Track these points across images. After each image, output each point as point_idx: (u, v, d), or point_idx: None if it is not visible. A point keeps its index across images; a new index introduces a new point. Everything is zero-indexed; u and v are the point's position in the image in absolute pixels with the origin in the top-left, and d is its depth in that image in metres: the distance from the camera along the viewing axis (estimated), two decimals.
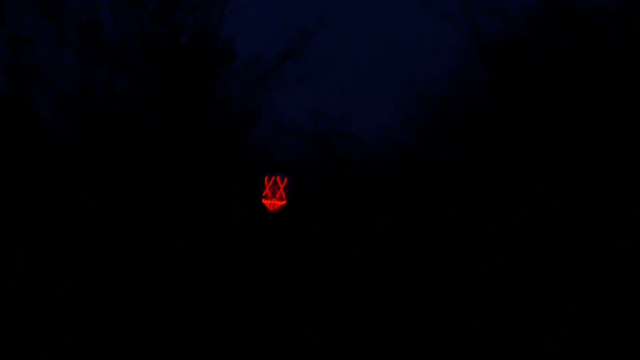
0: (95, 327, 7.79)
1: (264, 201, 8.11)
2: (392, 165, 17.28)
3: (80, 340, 7.26)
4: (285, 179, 8.10)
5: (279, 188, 8.13)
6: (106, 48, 13.68)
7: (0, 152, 11.64)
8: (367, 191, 17.20)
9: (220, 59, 14.81)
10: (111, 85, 13.70)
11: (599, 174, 11.11)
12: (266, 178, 8.17)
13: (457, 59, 16.16)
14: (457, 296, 9.64)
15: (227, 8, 14.94)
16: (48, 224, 11.24)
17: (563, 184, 11.68)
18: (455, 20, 15.48)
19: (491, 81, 15.04)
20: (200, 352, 7.13)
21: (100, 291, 9.66)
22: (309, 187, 17.14)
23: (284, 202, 8.08)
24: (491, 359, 6.69)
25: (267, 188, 8.13)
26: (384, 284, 11.09)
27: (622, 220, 10.07)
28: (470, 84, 16.02)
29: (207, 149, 13.86)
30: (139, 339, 7.47)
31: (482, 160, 13.94)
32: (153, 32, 14.28)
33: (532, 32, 14.08)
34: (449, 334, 7.48)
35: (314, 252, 13.21)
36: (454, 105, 16.80)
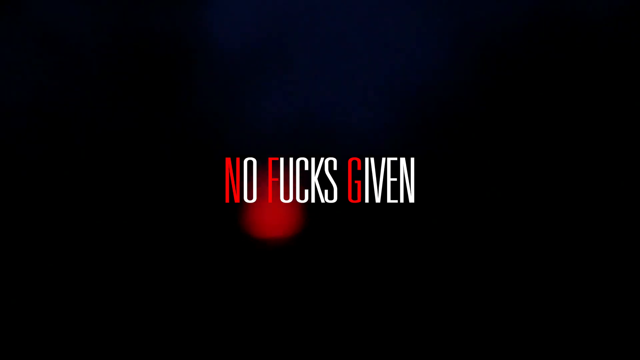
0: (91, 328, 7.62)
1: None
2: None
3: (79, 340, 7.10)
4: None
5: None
6: (63, 50, 13.55)
7: None
8: None
9: (196, 60, 14.78)
10: (70, 91, 13.56)
11: (590, 174, 11.24)
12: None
13: (445, 58, 16.27)
14: (454, 297, 9.64)
15: (204, 9, 14.95)
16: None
17: (551, 184, 11.75)
18: (442, 18, 15.57)
19: (479, 80, 15.16)
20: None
21: (87, 292, 9.50)
22: None
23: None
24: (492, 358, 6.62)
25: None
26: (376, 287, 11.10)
27: (602, 220, 10.17)
28: (458, 82, 16.17)
29: (185, 147, 13.79)
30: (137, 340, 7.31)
31: (471, 159, 13.99)
32: (125, 29, 14.19)
33: (522, 31, 14.21)
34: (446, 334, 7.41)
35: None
36: (441, 104, 16.94)
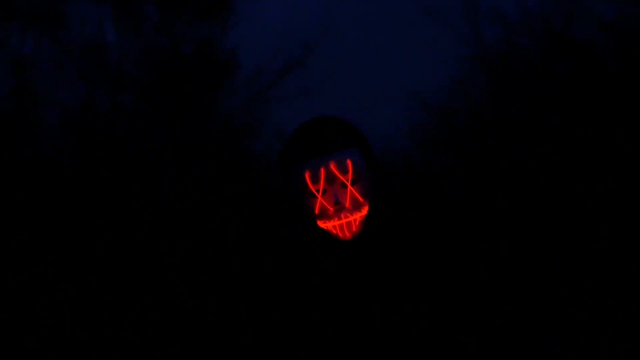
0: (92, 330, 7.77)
1: (322, 224, 2.02)
2: (394, 173, 17.36)
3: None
4: (349, 161, 2.00)
5: (344, 185, 1.99)
6: (108, 61, 13.80)
7: (5, 171, 11.68)
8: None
9: (223, 70, 14.92)
10: (114, 99, 13.80)
11: (596, 181, 11.32)
12: (307, 174, 1.97)
13: (460, 68, 16.28)
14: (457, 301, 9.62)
15: (231, 20, 15.07)
16: (58, 244, 11.24)
17: (561, 190, 11.80)
18: (457, 29, 15.61)
19: (493, 90, 15.16)
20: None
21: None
22: None
23: (364, 213, 2.04)
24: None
25: (320, 193, 1.99)
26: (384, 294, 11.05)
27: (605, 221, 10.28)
28: (473, 92, 16.16)
29: (210, 160, 13.92)
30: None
31: (484, 167, 14.02)
32: (156, 44, 14.40)
33: (533, 43, 14.25)
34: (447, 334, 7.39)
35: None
36: (456, 114, 16.95)
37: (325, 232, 1.98)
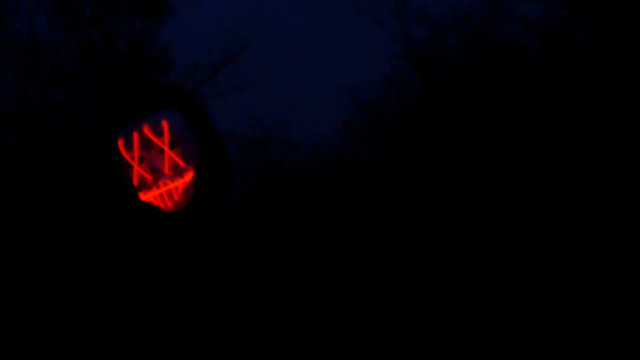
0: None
1: (143, 197, 1.72)
2: (327, 169, 17.62)
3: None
4: (165, 122, 1.73)
5: (163, 150, 1.73)
6: (41, 56, 13.67)
7: None
8: (302, 194, 17.50)
9: (157, 66, 14.90)
10: (47, 93, 13.68)
11: (536, 182, 11.71)
12: (121, 142, 1.74)
13: (391, 66, 16.69)
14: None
15: (164, 16, 15.07)
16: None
17: (492, 188, 12.17)
18: (388, 28, 15.99)
19: (422, 88, 15.61)
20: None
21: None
22: (243, 194, 17.29)
23: (188, 179, 1.72)
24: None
25: (135, 162, 1.73)
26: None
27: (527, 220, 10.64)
28: (403, 90, 16.59)
29: None
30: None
31: (414, 163, 14.40)
32: (89, 39, 14.30)
33: (459, 43, 14.75)
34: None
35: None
36: (387, 110, 17.34)
37: (150, 207, 1.75)
